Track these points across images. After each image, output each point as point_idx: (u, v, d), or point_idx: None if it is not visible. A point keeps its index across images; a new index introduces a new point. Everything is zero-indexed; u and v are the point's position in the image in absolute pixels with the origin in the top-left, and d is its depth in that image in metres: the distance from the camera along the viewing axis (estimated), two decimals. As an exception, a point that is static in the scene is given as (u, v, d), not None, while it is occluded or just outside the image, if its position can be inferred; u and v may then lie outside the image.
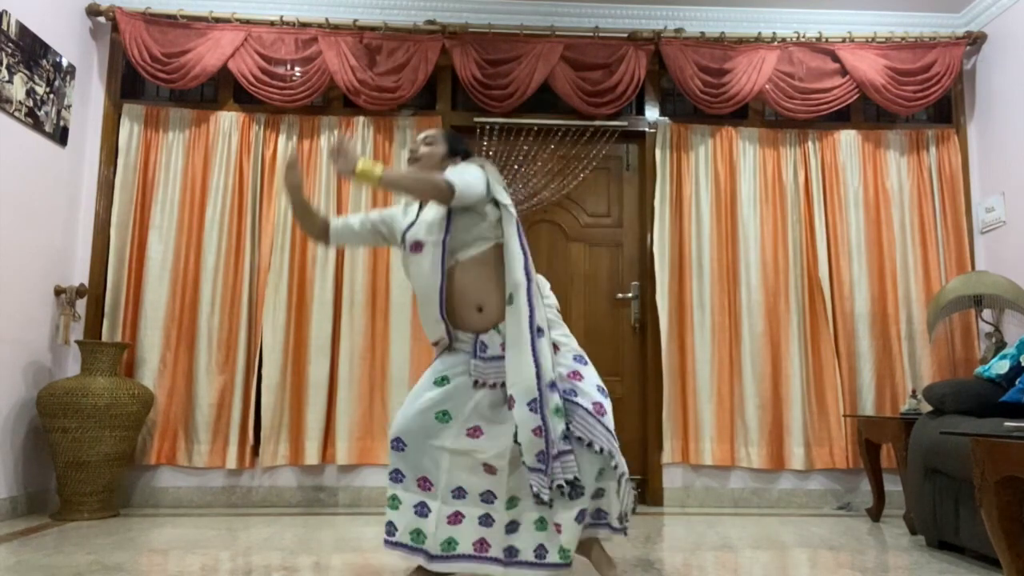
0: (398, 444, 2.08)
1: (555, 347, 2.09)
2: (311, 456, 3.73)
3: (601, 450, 1.95)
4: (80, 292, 3.71)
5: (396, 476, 2.09)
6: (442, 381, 2.10)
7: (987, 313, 3.87)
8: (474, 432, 2.06)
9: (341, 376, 3.79)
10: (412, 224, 2.20)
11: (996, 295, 3.61)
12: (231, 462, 3.70)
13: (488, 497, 2.05)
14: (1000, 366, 2.85)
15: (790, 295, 3.98)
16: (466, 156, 2.29)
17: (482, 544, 2.02)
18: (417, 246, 2.14)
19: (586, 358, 2.14)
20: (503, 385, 2.05)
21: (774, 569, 2.50)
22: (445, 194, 2.02)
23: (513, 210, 2.11)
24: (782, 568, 2.53)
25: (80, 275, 3.84)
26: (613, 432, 2.00)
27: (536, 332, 1.99)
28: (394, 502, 2.09)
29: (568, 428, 1.97)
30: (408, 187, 2.09)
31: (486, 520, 2.04)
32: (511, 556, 1.99)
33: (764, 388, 3.91)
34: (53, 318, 3.67)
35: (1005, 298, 3.58)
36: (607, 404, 2.03)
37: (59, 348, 3.72)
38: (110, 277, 3.79)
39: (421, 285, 2.13)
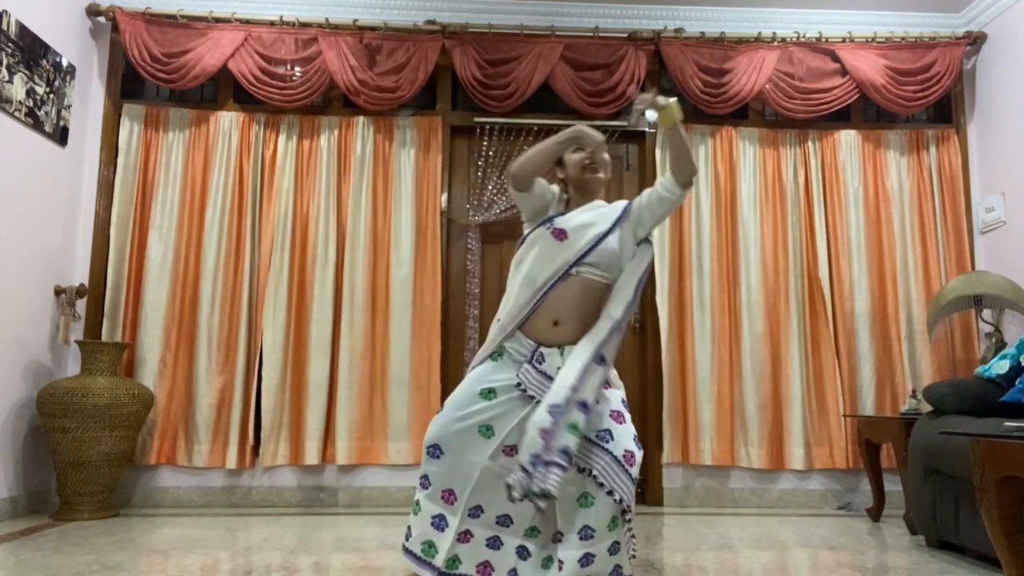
0: (435, 451, 2.03)
1: (608, 384, 2.02)
2: (311, 456, 3.73)
3: (620, 500, 1.88)
4: (80, 292, 3.71)
5: (424, 482, 2.03)
6: (489, 394, 2.03)
7: (987, 313, 3.87)
8: (511, 451, 1.99)
9: (341, 376, 3.79)
10: (562, 214, 2.15)
11: (996, 295, 3.61)
12: (231, 462, 3.70)
13: (504, 520, 1.99)
14: (1000, 366, 2.85)
15: (790, 295, 3.98)
16: None
17: (486, 567, 1.97)
18: (561, 234, 2.07)
19: (628, 406, 2.05)
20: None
21: (774, 569, 2.50)
22: (694, 172, 2.08)
23: (654, 251, 2.15)
24: (782, 568, 2.53)
25: (80, 275, 3.84)
26: (635, 482, 1.92)
27: (598, 358, 1.95)
28: (416, 507, 2.03)
29: (592, 474, 1.89)
30: (685, 146, 2.07)
31: (494, 543, 1.99)
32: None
33: (764, 388, 3.91)
34: (53, 318, 3.67)
35: (1005, 298, 3.58)
36: (638, 455, 1.94)
37: (59, 348, 3.72)
38: (110, 277, 3.79)
39: (536, 270, 2.05)
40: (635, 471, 1.92)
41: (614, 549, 1.90)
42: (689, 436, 3.89)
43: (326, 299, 3.85)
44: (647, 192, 2.13)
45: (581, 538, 1.88)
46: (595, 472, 1.89)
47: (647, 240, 2.14)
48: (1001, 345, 3.62)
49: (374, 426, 3.80)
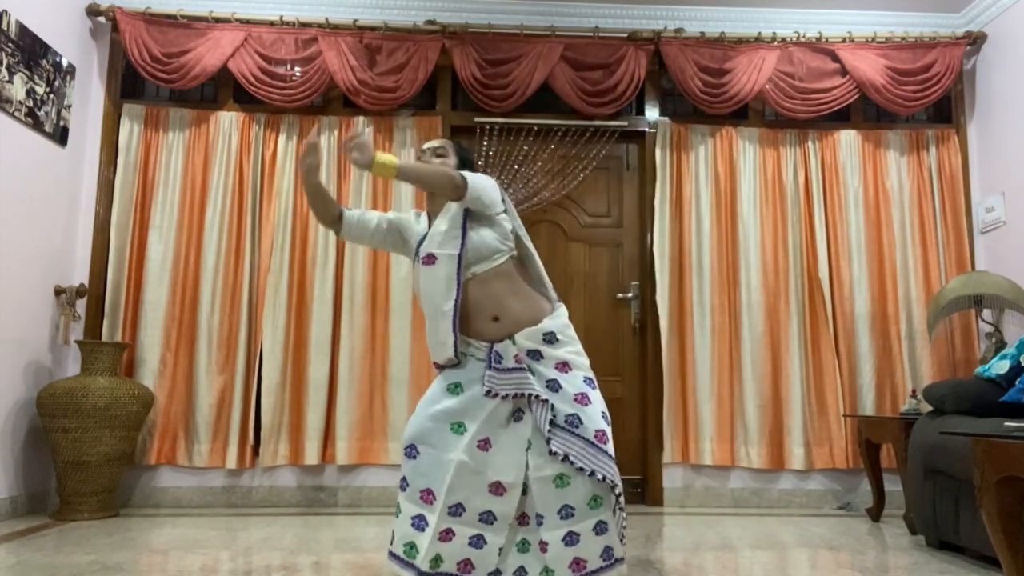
0: (411, 451, 2.03)
1: (567, 365, 2.03)
2: (311, 456, 3.73)
3: (604, 478, 1.90)
4: (80, 292, 3.71)
5: (403, 484, 2.03)
6: (456, 388, 2.05)
7: (987, 313, 3.87)
8: (484, 444, 1.98)
9: (341, 376, 3.79)
10: (424, 236, 2.15)
11: (996, 295, 3.61)
12: (231, 462, 3.70)
13: (487, 518, 1.96)
14: (1000, 366, 2.85)
15: (790, 295, 3.98)
16: (471, 169, 2.25)
17: (466, 565, 1.94)
18: (430, 258, 2.08)
19: (595, 381, 2.07)
20: (515, 397, 1.98)
21: (774, 569, 2.50)
22: (459, 188, 2.01)
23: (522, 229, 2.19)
24: (782, 568, 2.53)
25: (80, 275, 3.84)
26: (613, 457, 1.94)
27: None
28: (397, 510, 2.03)
29: (569, 459, 1.91)
30: (423, 177, 2.06)
31: (477, 541, 1.95)
32: None
33: (764, 388, 3.91)
34: (53, 318, 3.67)
35: (1005, 298, 3.58)
36: (608, 431, 1.97)
37: (59, 348, 3.72)
38: (110, 277, 3.79)
39: (432, 301, 2.07)
40: (610, 447, 1.95)
41: (600, 529, 1.91)
42: (689, 436, 3.89)
43: (326, 299, 3.85)
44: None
45: (562, 517, 1.90)
46: (572, 458, 1.91)
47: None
48: (1001, 345, 3.62)
49: (374, 426, 3.80)
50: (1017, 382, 2.73)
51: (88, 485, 3.34)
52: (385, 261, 3.91)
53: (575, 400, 1.98)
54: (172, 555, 2.61)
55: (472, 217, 2.11)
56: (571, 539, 1.90)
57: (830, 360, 3.93)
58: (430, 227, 2.16)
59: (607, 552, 1.92)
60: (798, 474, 3.91)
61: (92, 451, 3.32)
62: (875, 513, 3.54)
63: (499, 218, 2.13)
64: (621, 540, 1.96)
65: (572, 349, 2.08)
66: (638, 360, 4.07)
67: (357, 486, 3.81)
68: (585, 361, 2.09)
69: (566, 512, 1.91)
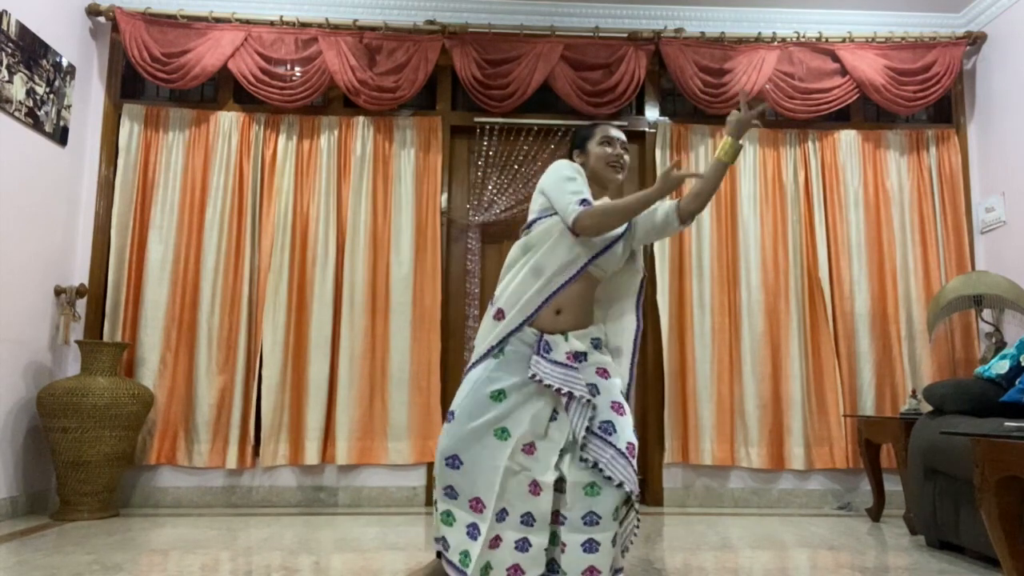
0: (454, 462, 2.01)
1: (607, 372, 2.06)
2: (311, 456, 3.73)
3: (630, 492, 1.91)
4: (80, 292, 3.71)
5: (450, 492, 2.02)
6: (499, 396, 2.02)
7: (987, 313, 3.87)
8: (529, 449, 1.99)
9: (341, 376, 3.79)
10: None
11: (996, 295, 3.61)
12: (231, 462, 3.70)
13: (528, 520, 1.96)
14: (1000, 366, 2.85)
15: (790, 295, 3.98)
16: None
17: (516, 570, 1.94)
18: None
19: (626, 392, 2.09)
20: (557, 391, 1.97)
21: (774, 569, 2.50)
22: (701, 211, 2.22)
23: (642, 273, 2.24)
24: (782, 568, 2.53)
25: (80, 275, 3.84)
26: (637, 472, 1.97)
27: (629, 401, 2.10)
28: (448, 518, 2.01)
29: (597, 467, 1.92)
30: (717, 187, 2.21)
31: (523, 545, 1.95)
32: None
33: (764, 388, 3.91)
34: (53, 318, 3.67)
35: (1005, 298, 3.58)
36: (636, 443, 1.98)
37: (59, 348, 3.72)
38: (110, 277, 3.79)
39: (550, 262, 2.07)
40: (634, 461, 1.96)
41: (615, 540, 1.93)
42: (689, 436, 3.89)
43: (326, 299, 3.85)
44: (655, 209, 2.15)
45: (586, 523, 1.90)
46: (600, 465, 1.90)
47: (636, 262, 2.23)
48: (1001, 345, 3.62)
49: (374, 426, 3.80)
50: (1017, 382, 2.73)
51: (88, 485, 3.34)
52: (385, 261, 3.91)
53: (611, 407, 1.98)
54: (172, 555, 2.61)
55: (629, 232, 2.17)
56: (590, 546, 1.90)
57: (830, 360, 3.93)
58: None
59: (615, 562, 1.94)
60: (798, 474, 3.92)
61: (92, 451, 3.32)
62: (875, 513, 3.54)
63: (636, 259, 2.22)
64: (623, 552, 1.99)
65: (608, 359, 2.12)
66: (638, 360, 4.06)
67: (357, 486, 3.81)
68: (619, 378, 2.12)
69: (591, 519, 1.91)
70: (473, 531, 1.97)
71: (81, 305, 3.78)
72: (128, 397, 3.42)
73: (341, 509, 3.72)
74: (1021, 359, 2.78)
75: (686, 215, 2.13)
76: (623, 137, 2.26)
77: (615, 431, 1.94)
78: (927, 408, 3.12)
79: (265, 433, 3.72)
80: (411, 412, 3.80)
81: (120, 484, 3.57)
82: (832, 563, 2.59)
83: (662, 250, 4.00)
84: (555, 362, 2.01)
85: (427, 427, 3.79)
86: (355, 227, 3.92)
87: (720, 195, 4.07)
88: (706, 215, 4.03)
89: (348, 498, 3.80)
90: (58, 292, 3.68)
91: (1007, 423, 2.23)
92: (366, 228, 3.92)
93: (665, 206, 2.14)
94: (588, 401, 1.96)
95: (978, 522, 2.41)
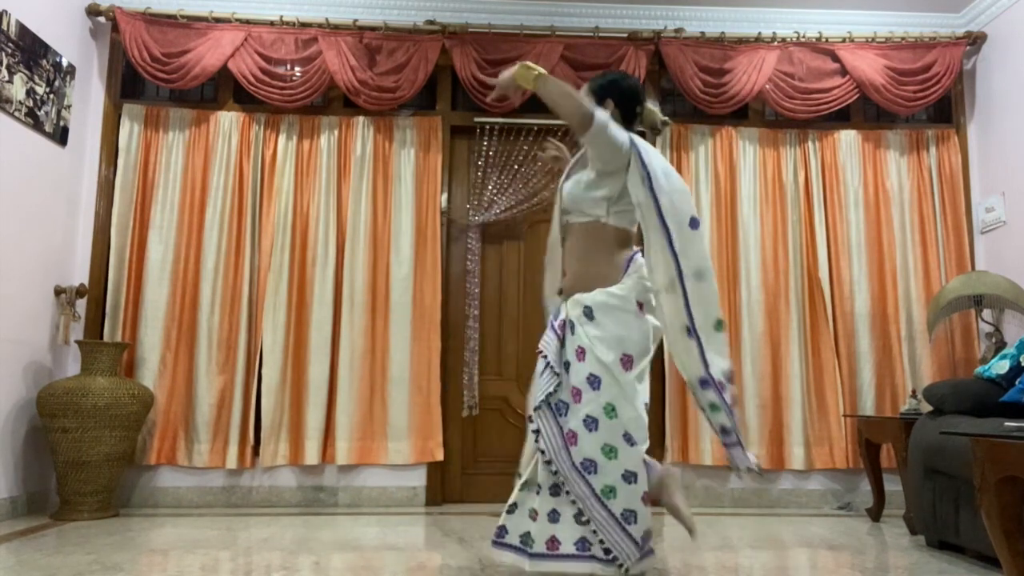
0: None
1: (584, 354, 2.01)
2: (311, 456, 3.73)
3: (556, 472, 1.98)
4: (80, 292, 3.71)
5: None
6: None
7: (987, 313, 3.87)
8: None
9: (341, 376, 3.79)
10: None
11: (996, 295, 3.61)
12: (231, 462, 3.70)
13: (555, 491, 2.03)
14: (1000, 366, 2.85)
15: (790, 295, 3.98)
16: (629, 107, 2.24)
17: (553, 542, 2.01)
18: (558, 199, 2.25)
19: (601, 379, 2.00)
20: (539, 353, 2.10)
21: (774, 569, 2.50)
22: (585, 119, 1.98)
23: (662, 198, 2.02)
24: (782, 568, 2.53)
25: (80, 275, 3.84)
26: (580, 464, 1.96)
27: (694, 320, 2.00)
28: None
29: (538, 439, 2.02)
30: (557, 96, 2.01)
31: (553, 515, 2.03)
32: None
33: (764, 388, 3.91)
34: (53, 318, 3.67)
35: (1005, 298, 3.58)
36: (582, 434, 1.96)
37: (59, 348, 3.72)
38: (110, 277, 3.79)
39: (552, 234, 2.25)
40: (576, 450, 1.97)
41: (579, 519, 1.98)
42: (689, 436, 3.89)
43: (326, 299, 3.85)
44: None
45: (550, 493, 2.01)
46: (539, 438, 2.02)
47: (633, 176, 2.09)
48: (1001, 345, 3.62)
49: (374, 426, 3.80)
50: (1017, 382, 2.73)
51: (88, 485, 3.34)
52: (385, 261, 3.91)
53: (571, 391, 2.02)
54: (172, 555, 2.61)
55: (581, 165, 2.18)
56: (553, 516, 1.99)
57: (830, 360, 3.93)
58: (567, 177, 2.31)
59: (582, 543, 1.96)
60: (798, 474, 3.91)
61: (92, 451, 3.32)
62: (875, 513, 3.54)
63: (614, 178, 2.08)
64: (605, 549, 1.94)
65: (597, 335, 2.01)
66: (638, 360, 4.06)
67: (357, 486, 3.81)
68: (607, 352, 2.00)
69: (554, 490, 2.00)
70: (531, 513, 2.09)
71: (81, 305, 3.78)
72: (128, 397, 3.42)
73: (341, 509, 3.72)
74: (1021, 359, 2.78)
75: (577, 130, 2.05)
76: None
77: (564, 414, 2.01)
78: (927, 408, 3.12)
79: (265, 433, 3.72)
80: (411, 412, 3.80)
81: (120, 484, 3.57)
82: (832, 563, 2.59)
83: (662, 250, 3.99)
84: (551, 327, 2.12)
85: (427, 427, 3.79)
86: (355, 227, 3.91)
87: (720, 195, 4.06)
88: (706, 215, 4.03)
89: (348, 498, 3.80)
90: (58, 292, 3.67)
91: (1007, 423, 2.23)
92: (366, 228, 3.92)
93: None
94: (557, 374, 2.03)
95: (978, 522, 2.41)
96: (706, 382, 2.01)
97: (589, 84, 2.25)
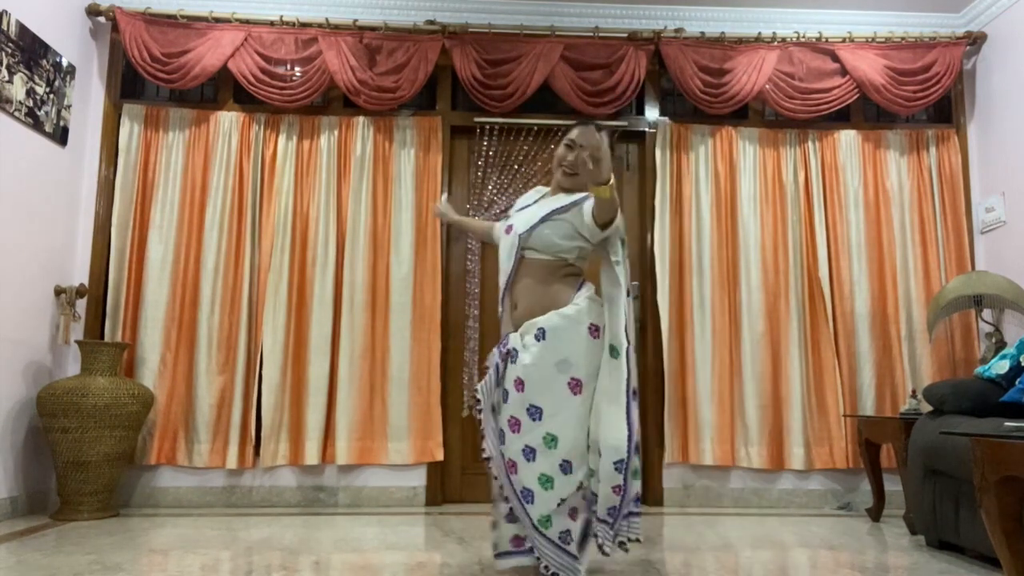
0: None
1: (522, 385, 2.04)
2: (311, 456, 3.73)
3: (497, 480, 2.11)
4: (80, 292, 3.71)
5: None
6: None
7: (987, 313, 3.87)
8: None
9: (341, 376, 3.79)
10: (523, 208, 2.30)
11: (996, 295, 3.61)
12: (231, 462, 3.69)
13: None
14: (1000, 366, 2.85)
15: (790, 295, 3.98)
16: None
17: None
18: (509, 229, 2.24)
19: (543, 411, 2.01)
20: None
21: (774, 569, 2.50)
22: (614, 221, 2.06)
23: (626, 267, 2.14)
24: (782, 568, 2.53)
25: (80, 275, 3.84)
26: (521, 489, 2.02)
27: (633, 395, 2.03)
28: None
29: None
30: (610, 209, 2.03)
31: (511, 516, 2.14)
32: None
33: (764, 388, 3.90)
34: (53, 318, 3.67)
35: (1005, 298, 3.58)
36: (516, 462, 2.02)
37: (59, 348, 3.72)
38: (110, 277, 3.79)
39: (501, 266, 2.25)
40: (514, 475, 2.03)
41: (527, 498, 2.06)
42: (689, 436, 3.89)
43: (326, 299, 3.85)
44: (588, 205, 2.11)
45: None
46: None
47: (614, 260, 2.14)
48: (1001, 345, 3.62)
49: (374, 426, 3.80)
50: (1017, 382, 2.73)
51: (88, 485, 3.34)
52: (385, 261, 3.91)
53: (508, 421, 2.05)
54: (172, 555, 2.61)
55: (566, 215, 2.14)
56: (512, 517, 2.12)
57: (830, 360, 3.93)
58: (529, 205, 2.30)
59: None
60: (798, 474, 3.91)
61: (92, 451, 3.32)
62: (875, 513, 3.54)
63: (591, 242, 2.15)
64: (563, 544, 1.99)
65: (547, 356, 2.02)
66: (638, 360, 4.03)
67: (357, 486, 3.81)
68: (558, 375, 2.02)
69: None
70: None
71: (81, 305, 3.78)
72: (128, 397, 3.42)
73: (341, 509, 3.72)
74: (1021, 359, 2.78)
75: (602, 224, 2.08)
76: (591, 140, 2.06)
77: (504, 442, 2.06)
78: (927, 408, 3.12)
79: (265, 433, 3.72)
80: (411, 412, 3.80)
81: (120, 484, 3.57)
82: (832, 563, 2.59)
83: (662, 250, 4.00)
84: (494, 356, 2.18)
85: (427, 427, 3.79)
86: (355, 227, 3.91)
87: (720, 195, 4.06)
88: (706, 215, 4.03)
89: (348, 498, 3.80)
90: (58, 292, 3.67)
91: (1007, 423, 2.23)
92: (366, 228, 3.92)
93: (589, 209, 2.09)
94: (493, 409, 2.13)
95: (978, 522, 2.41)
96: (638, 447, 2.08)
97: (607, 133, 2.20)
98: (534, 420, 2.00)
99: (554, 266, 2.16)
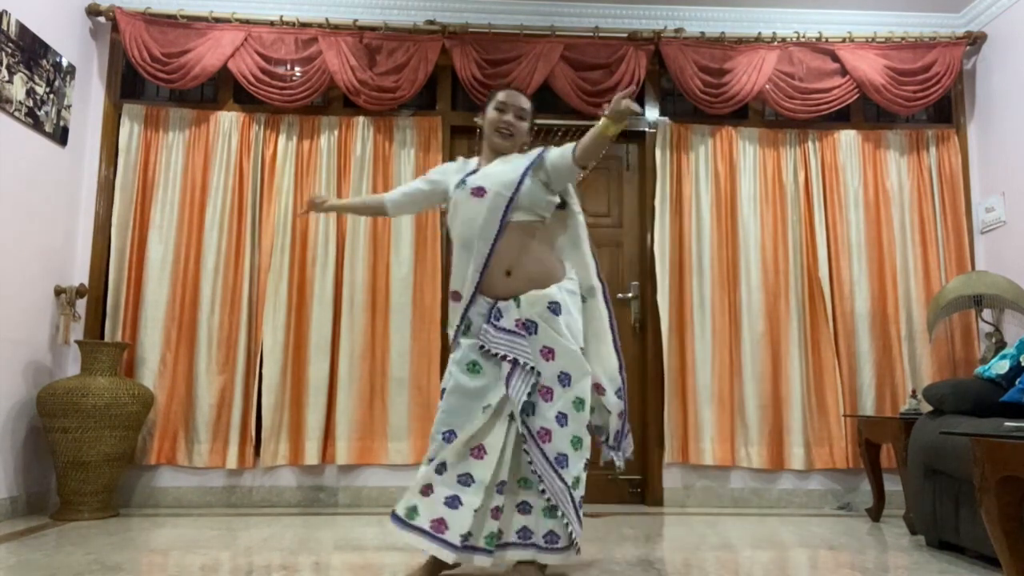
0: (450, 436, 2.13)
1: (552, 354, 2.11)
2: (311, 456, 3.73)
3: (534, 472, 2.08)
4: (80, 292, 3.71)
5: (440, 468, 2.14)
6: (474, 367, 2.15)
7: (987, 313, 3.87)
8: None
9: (341, 376, 3.79)
10: (473, 173, 2.28)
11: (996, 295, 3.61)
12: (231, 462, 3.70)
13: (466, 480, 2.10)
14: (1000, 366, 2.85)
15: (790, 295, 3.98)
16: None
17: (440, 524, 2.08)
18: (480, 191, 2.19)
19: (571, 376, 2.11)
20: (503, 359, 2.10)
21: (774, 569, 2.50)
22: (593, 161, 2.23)
23: (581, 217, 2.31)
24: (782, 568, 2.53)
25: (80, 275, 3.84)
26: (551, 458, 2.06)
27: (615, 329, 2.24)
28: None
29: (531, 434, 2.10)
30: (601, 149, 2.20)
31: (452, 502, 2.09)
32: (467, 540, 2.06)
33: (764, 388, 3.91)
34: (53, 318, 3.67)
35: (1005, 298, 3.58)
36: (557, 431, 2.07)
37: (59, 348, 3.72)
38: (110, 277, 3.80)
39: (468, 231, 2.18)
40: (549, 446, 2.07)
41: (524, 508, 2.13)
42: (689, 436, 3.89)
43: (326, 299, 3.85)
44: (553, 151, 2.24)
45: (520, 487, 2.15)
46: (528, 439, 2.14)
47: (569, 206, 2.34)
48: (1001, 345, 3.62)
49: (374, 426, 3.80)
50: (1017, 382, 2.73)
51: (88, 485, 3.34)
52: (385, 261, 3.91)
53: (540, 391, 2.10)
54: (172, 555, 2.61)
55: (535, 173, 2.22)
56: (524, 507, 2.12)
57: (830, 360, 3.93)
58: (477, 169, 2.30)
59: (551, 536, 2.08)
60: (798, 474, 3.91)
61: (92, 451, 3.32)
62: (875, 513, 3.54)
63: (557, 194, 2.28)
64: (571, 535, 2.06)
65: (567, 327, 2.14)
66: (638, 360, 4.07)
67: (357, 486, 3.81)
68: (574, 343, 2.14)
69: (525, 482, 2.12)
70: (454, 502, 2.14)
71: (81, 305, 3.78)
72: (128, 397, 3.42)
73: (341, 509, 3.72)
74: (1021, 359, 2.78)
75: (583, 163, 2.20)
76: (522, 104, 2.33)
77: (533, 413, 2.08)
78: (927, 408, 3.12)
79: (265, 433, 3.72)
80: (411, 412, 3.80)
81: (120, 484, 3.57)
82: (832, 563, 2.59)
83: (662, 250, 4.00)
84: (504, 330, 2.12)
85: (427, 427, 3.78)
86: (355, 227, 3.92)
87: (720, 195, 4.06)
88: (706, 215, 4.03)
89: (348, 498, 3.80)
90: (58, 292, 3.67)
91: (1007, 423, 2.23)
92: (366, 228, 3.92)
93: (562, 149, 2.22)
94: (532, 368, 2.08)
95: (978, 522, 2.41)
96: (621, 386, 2.23)
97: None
98: (564, 386, 2.10)
99: (534, 227, 2.23)
